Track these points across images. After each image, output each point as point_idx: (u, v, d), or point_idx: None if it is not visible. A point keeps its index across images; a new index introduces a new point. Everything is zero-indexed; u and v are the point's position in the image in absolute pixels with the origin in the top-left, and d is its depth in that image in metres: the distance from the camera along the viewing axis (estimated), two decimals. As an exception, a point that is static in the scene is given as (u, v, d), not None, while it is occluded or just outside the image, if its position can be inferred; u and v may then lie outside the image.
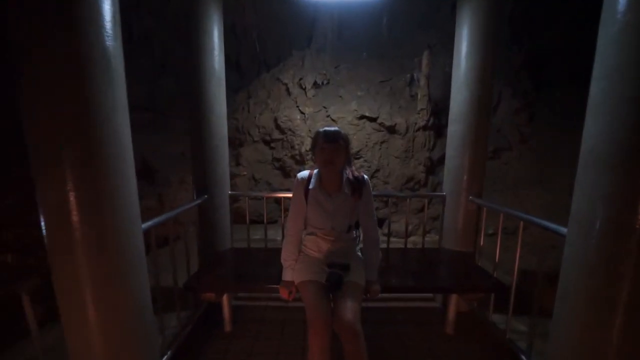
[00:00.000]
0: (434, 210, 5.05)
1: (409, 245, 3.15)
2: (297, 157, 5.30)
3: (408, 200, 3.08)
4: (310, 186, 1.80)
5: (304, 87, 5.49)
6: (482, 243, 2.61)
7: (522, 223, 2.09)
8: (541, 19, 6.42)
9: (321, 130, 1.75)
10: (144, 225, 1.66)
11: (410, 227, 5.02)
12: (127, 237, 1.37)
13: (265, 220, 2.94)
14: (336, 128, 1.75)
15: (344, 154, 1.74)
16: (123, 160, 1.31)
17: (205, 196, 2.70)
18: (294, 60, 5.92)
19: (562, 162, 5.07)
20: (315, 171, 1.84)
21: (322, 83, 5.61)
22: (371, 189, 1.89)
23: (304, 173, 1.87)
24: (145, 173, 5.02)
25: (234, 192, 2.92)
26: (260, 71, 6.73)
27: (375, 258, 1.86)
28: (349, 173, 1.81)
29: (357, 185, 1.79)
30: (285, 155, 5.39)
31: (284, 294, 1.81)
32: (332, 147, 1.68)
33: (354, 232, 1.92)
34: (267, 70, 6.55)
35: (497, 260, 2.41)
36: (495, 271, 2.37)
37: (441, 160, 5.40)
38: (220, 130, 2.71)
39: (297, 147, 5.20)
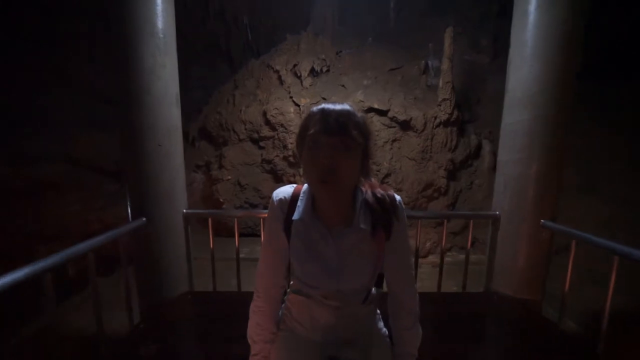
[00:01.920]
0: (454, 224, 4.16)
1: (426, 267, 2.24)
2: (291, 159, 4.39)
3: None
4: (295, 215, 0.89)
5: (299, 74, 4.59)
6: (567, 288, 1.69)
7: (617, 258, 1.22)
8: None
9: (316, 109, 0.82)
10: None
11: (428, 244, 4.12)
12: None
13: (237, 256, 2.02)
14: (345, 106, 0.81)
15: (357, 157, 0.82)
16: None
17: (143, 219, 1.79)
18: (288, 45, 5.02)
19: (612, 163, 4.18)
20: (305, 187, 0.93)
21: (321, 70, 4.71)
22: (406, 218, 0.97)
23: (284, 191, 0.94)
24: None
25: (191, 211, 2.01)
26: (250, 59, 5.82)
27: (413, 341, 0.97)
28: (367, 192, 0.90)
29: (384, 214, 0.87)
30: (277, 156, 4.48)
31: None
32: (335, 145, 0.77)
33: (374, 294, 1.00)
34: (257, 55, 5.64)
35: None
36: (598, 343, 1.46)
37: (464, 162, 4.50)
38: (164, 121, 1.80)
39: (290, 146, 4.29)
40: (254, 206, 4.65)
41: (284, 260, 0.96)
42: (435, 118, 4.13)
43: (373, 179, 0.96)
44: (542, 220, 1.81)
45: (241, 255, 3.71)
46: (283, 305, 1.03)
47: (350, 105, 0.80)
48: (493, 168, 4.53)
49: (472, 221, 2.03)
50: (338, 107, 0.78)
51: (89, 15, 4.54)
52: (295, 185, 0.94)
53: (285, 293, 1.03)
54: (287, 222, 0.90)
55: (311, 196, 0.89)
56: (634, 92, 4.65)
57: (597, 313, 1.51)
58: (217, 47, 7.38)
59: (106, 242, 1.52)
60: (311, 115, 0.80)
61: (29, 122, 4.49)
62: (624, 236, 3.39)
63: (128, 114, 1.73)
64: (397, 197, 0.90)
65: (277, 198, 0.92)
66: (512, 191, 1.90)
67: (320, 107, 0.79)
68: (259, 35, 7.20)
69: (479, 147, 4.63)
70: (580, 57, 1.69)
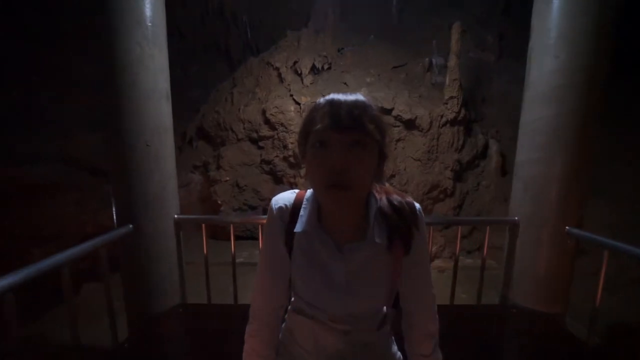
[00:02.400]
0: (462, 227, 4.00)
1: (432, 272, 2.07)
2: (291, 159, 4.23)
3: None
4: (298, 227, 0.74)
5: (299, 72, 4.43)
6: (598, 302, 1.52)
7: None
8: None
9: (323, 100, 0.67)
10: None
11: (434, 248, 3.96)
12: None
13: (233, 265, 1.85)
14: (359, 97, 0.67)
15: (373, 156, 0.67)
16: None
17: (130, 226, 1.63)
18: (288, 41, 4.86)
19: (617, 162, 4.02)
20: (308, 194, 0.79)
21: (323, 68, 4.55)
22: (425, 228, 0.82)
23: (285, 198, 0.80)
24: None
25: (183, 216, 1.84)
26: (249, 57, 5.65)
27: None
28: (381, 199, 0.75)
29: (402, 225, 0.73)
30: (277, 156, 4.32)
31: None
32: (347, 142, 0.63)
33: (390, 316, 0.84)
34: (256, 54, 5.48)
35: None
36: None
37: (471, 163, 4.34)
38: (153, 119, 1.64)
39: (290, 146, 4.13)
40: (253, 208, 4.49)
41: (285, 278, 0.80)
42: (442, 117, 3.97)
43: (387, 184, 0.81)
44: (567, 227, 1.64)
45: (240, 260, 3.56)
46: (283, 324, 0.88)
47: (365, 96, 0.66)
48: (501, 169, 4.37)
49: (488, 227, 1.86)
50: (350, 97, 0.64)
51: (83, 8, 4.37)
52: (297, 190, 0.80)
53: (285, 311, 0.87)
54: (289, 235, 0.75)
55: (316, 204, 0.74)
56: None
57: (619, 325, 1.35)
58: (216, 46, 7.23)
59: (84, 253, 1.36)
60: (317, 107, 0.65)
61: (23, 122, 4.36)
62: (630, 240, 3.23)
63: (112, 109, 1.57)
64: (417, 205, 0.76)
65: (277, 206, 0.77)
66: (533, 194, 1.74)
67: (328, 97, 0.65)
68: (258, 33, 7.04)
69: (485, 147, 4.47)
70: (613, 45, 1.53)
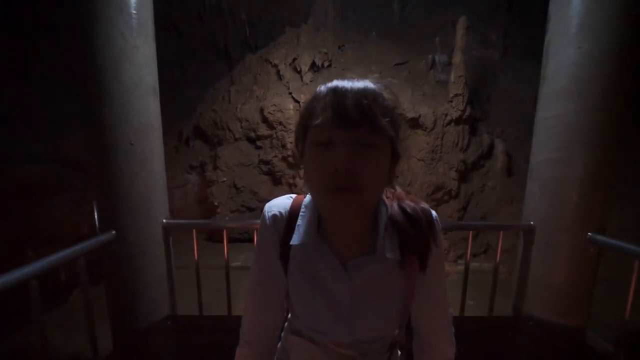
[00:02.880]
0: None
1: None
2: (290, 159, 4.10)
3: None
4: (295, 239, 0.63)
5: (298, 69, 4.30)
6: (627, 314, 1.39)
7: None
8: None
9: (325, 88, 0.56)
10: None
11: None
12: None
13: (226, 276, 1.71)
14: (368, 83, 0.54)
15: (386, 156, 0.56)
16: None
17: (113, 232, 1.50)
18: (288, 38, 4.73)
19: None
20: (307, 199, 0.68)
21: (323, 65, 4.42)
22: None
23: (280, 204, 0.68)
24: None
25: (173, 221, 1.71)
26: (248, 54, 5.52)
27: None
28: (392, 206, 0.65)
29: (418, 237, 0.62)
30: (275, 156, 4.19)
31: None
32: (354, 141, 0.52)
33: (402, 340, 0.74)
34: (255, 52, 5.34)
35: None
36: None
37: (476, 163, 4.21)
38: (137, 116, 1.50)
39: (289, 145, 4.00)
40: (250, 210, 4.36)
41: (279, 297, 0.70)
42: (446, 115, 3.83)
43: (398, 188, 0.68)
44: (589, 233, 1.51)
45: (237, 264, 3.43)
46: (279, 344, 0.77)
47: (375, 82, 0.55)
48: (506, 169, 4.24)
49: (502, 233, 1.73)
50: (358, 84, 0.53)
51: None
52: (293, 196, 0.69)
53: (282, 329, 0.76)
54: (284, 247, 0.65)
55: (316, 212, 0.63)
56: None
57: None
58: (215, 44, 7.11)
59: (59, 263, 1.22)
60: (318, 96, 0.55)
61: (14, 121, 4.24)
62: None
63: (93, 105, 1.43)
64: (434, 213, 0.66)
65: (270, 214, 0.66)
66: (551, 197, 1.61)
67: (331, 84, 0.55)
68: (257, 31, 6.92)
69: (491, 147, 4.33)
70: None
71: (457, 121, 3.88)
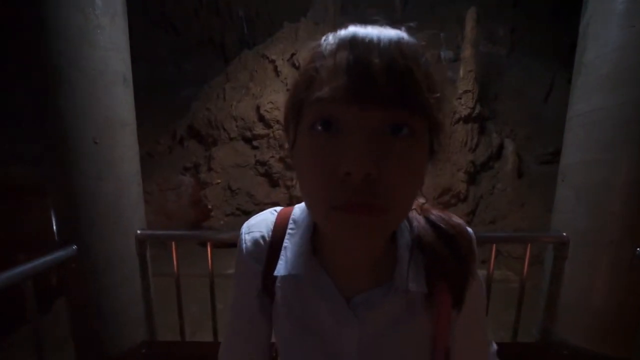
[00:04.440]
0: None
1: None
2: (289, 160, 3.87)
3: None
4: (281, 269, 0.46)
5: (297, 65, 4.08)
6: None
7: None
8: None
9: (334, 38, 0.34)
10: None
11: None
12: None
13: (212, 297, 1.47)
14: (400, 34, 0.33)
15: (423, 155, 0.35)
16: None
17: (73, 247, 1.26)
18: (286, 33, 4.51)
19: None
20: (297, 212, 0.51)
21: (322, 60, 4.19)
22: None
23: (259, 224, 0.51)
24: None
25: (148, 232, 1.47)
26: (244, 50, 5.30)
27: None
28: (417, 219, 0.47)
29: (455, 264, 0.44)
30: (272, 157, 3.96)
31: None
32: (379, 128, 0.31)
33: None
34: (251, 46, 5.12)
35: None
36: None
37: (485, 164, 3.98)
38: (102, 109, 1.27)
39: (287, 145, 3.77)
40: (246, 213, 4.13)
41: (264, 344, 0.54)
42: (455, 113, 3.61)
43: (422, 196, 0.49)
44: (638, 249, 1.27)
45: (231, 271, 3.21)
46: None
47: (411, 35, 0.35)
48: (517, 171, 4.01)
49: (529, 245, 1.49)
50: (388, 33, 0.33)
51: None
52: (278, 209, 0.53)
53: None
54: (268, 280, 0.48)
55: (311, 228, 0.47)
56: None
57: None
58: (211, 41, 6.91)
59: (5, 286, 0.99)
60: (324, 51, 0.34)
61: (2, 120, 4.07)
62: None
63: (49, 97, 1.20)
64: (470, 231, 0.49)
65: (250, 238, 0.50)
66: (589, 206, 1.37)
67: (346, 31, 0.34)
68: (255, 28, 6.72)
69: (500, 147, 4.10)
70: None
71: (466, 119, 3.66)
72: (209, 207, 4.14)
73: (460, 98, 3.62)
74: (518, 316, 1.53)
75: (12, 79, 3.77)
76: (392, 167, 0.32)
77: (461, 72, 3.62)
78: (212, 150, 4.29)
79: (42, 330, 1.15)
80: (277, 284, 0.48)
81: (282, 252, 0.47)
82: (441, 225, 0.46)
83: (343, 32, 0.34)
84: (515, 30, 5.56)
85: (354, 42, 0.32)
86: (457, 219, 0.48)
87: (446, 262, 0.44)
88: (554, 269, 1.51)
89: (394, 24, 0.35)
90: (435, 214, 0.48)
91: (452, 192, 3.62)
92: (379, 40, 0.32)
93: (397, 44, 0.32)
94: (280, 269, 0.46)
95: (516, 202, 3.85)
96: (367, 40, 0.32)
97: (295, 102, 0.37)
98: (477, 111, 3.69)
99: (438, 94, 0.33)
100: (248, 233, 0.50)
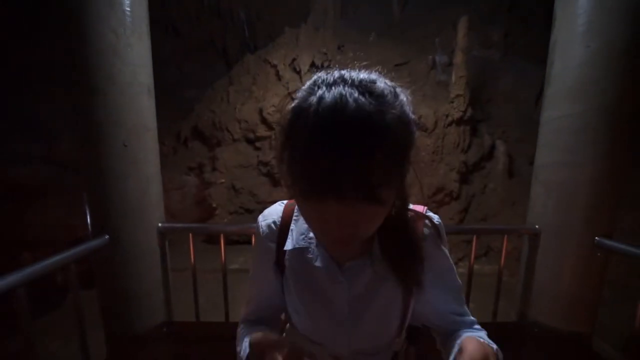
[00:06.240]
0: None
1: None
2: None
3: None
4: (289, 245, 0.62)
5: (298, 69, 4.26)
6: (638, 323, 1.34)
7: None
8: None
9: (306, 119, 0.41)
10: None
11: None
12: None
13: (224, 280, 1.66)
14: (363, 108, 0.39)
15: (390, 203, 0.48)
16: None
17: (106, 237, 1.45)
18: (287, 38, 4.68)
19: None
20: None
21: (322, 65, 4.38)
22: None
23: (272, 213, 0.66)
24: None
25: (168, 225, 1.66)
26: (247, 54, 5.47)
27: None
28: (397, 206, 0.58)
29: (406, 247, 0.58)
30: (274, 157, 4.13)
31: None
32: (351, 212, 0.43)
33: (409, 350, 0.74)
34: (254, 51, 5.30)
35: None
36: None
37: (477, 165, 4.17)
38: (131, 117, 1.45)
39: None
40: (249, 212, 4.31)
41: (274, 307, 0.69)
42: (447, 116, 3.80)
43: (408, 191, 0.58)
44: (596, 238, 1.46)
45: (235, 266, 3.37)
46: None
47: (373, 96, 0.41)
48: (508, 171, 4.20)
49: (506, 237, 1.68)
50: (358, 112, 0.38)
51: None
52: (285, 201, 0.67)
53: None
54: (280, 255, 0.64)
55: None
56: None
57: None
58: (213, 44, 7.06)
59: (50, 270, 1.17)
60: (305, 116, 0.41)
61: (6, 121, 4.18)
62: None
63: (85, 106, 1.38)
64: (436, 218, 0.64)
65: (264, 225, 0.65)
66: (557, 201, 1.56)
67: (313, 117, 0.40)
68: (256, 31, 6.88)
69: (492, 148, 4.30)
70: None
71: (458, 122, 3.84)
72: (214, 205, 4.32)
73: (452, 102, 3.81)
74: (497, 299, 1.73)
75: (45, 87, 3.93)
76: (365, 223, 0.45)
77: (453, 78, 3.80)
78: (217, 151, 4.47)
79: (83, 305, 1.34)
80: (287, 257, 0.62)
81: (289, 234, 0.62)
82: (406, 215, 0.57)
83: (315, 109, 0.40)
84: (509, 35, 5.73)
85: (323, 134, 0.38)
86: (422, 209, 0.63)
87: (401, 246, 0.57)
88: (528, 258, 1.70)
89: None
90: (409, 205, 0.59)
91: (446, 191, 3.80)
92: (349, 130, 0.37)
93: (366, 135, 0.38)
94: (289, 245, 0.61)
95: (507, 201, 4.04)
96: (336, 132, 0.38)
97: (282, 157, 0.46)
98: (468, 114, 3.87)
99: (393, 161, 0.41)
100: (264, 220, 0.65)
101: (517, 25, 5.63)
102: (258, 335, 0.52)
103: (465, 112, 3.82)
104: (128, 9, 1.40)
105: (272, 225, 0.64)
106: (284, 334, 0.73)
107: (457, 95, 3.77)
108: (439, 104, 3.87)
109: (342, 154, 0.37)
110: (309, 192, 0.42)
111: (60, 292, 3.06)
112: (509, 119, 4.70)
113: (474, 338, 0.51)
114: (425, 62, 4.60)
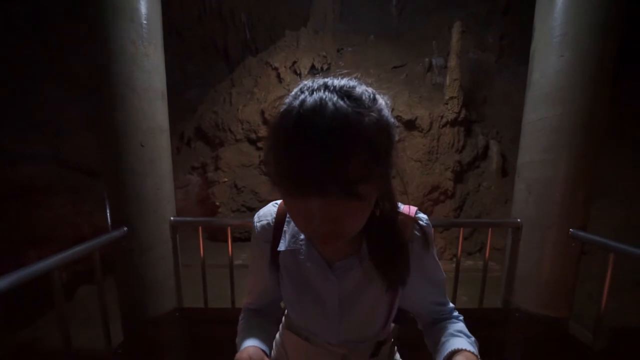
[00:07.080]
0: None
1: None
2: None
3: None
4: (282, 246, 0.65)
5: (298, 72, 4.40)
6: (603, 306, 1.48)
7: None
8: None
9: (287, 125, 0.44)
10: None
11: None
12: None
13: (230, 269, 1.81)
14: (339, 112, 0.41)
15: (371, 198, 0.50)
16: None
17: (124, 228, 1.59)
18: (287, 41, 4.83)
19: (623, 161, 3.99)
20: None
21: (322, 68, 4.52)
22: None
23: (266, 213, 0.69)
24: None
25: (180, 218, 1.80)
26: (248, 56, 5.61)
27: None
28: (386, 206, 0.60)
29: (401, 245, 0.60)
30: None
31: None
32: (328, 208, 0.45)
33: (394, 332, 0.78)
34: (255, 53, 5.43)
35: None
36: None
37: (472, 164, 4.31)
38: (147, 120, 1.60)
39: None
40: (251, 210, 4.45)
41: (273, 298, 0.76)
42: (442, 117, 3.94)
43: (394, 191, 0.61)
44: (570, 230, 1.61)
45: (238, 262, 3.52)
46: (277, 337, 0.81)
47: (351, 100, 0.43)
48: (501, 170, 4.34)
49: (490, 229, 1.83)
50: (329, 117, 0.41)
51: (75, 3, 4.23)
52: (279, 202, 0.68)
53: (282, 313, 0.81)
54: (274, 254, 0.67)
55: None
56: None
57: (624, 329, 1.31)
58: (214, 46, 7.18)
59: (77, 256, 1.32)
60: (286, 125, 0.44)
61: (13, 121, 4.27)
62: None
63: (105, 109, 1.53)
64: (424, 219, 0.65)
65: (260, 224, 0.68)
66: (536, 196, 1.70)
67: (295, 118, 0.42)
68: (257, 33, 7.00)
69: (486, 148, 4.44)
70: (617, 44, 1.50)
71: (453, 123, 3.99)
72: (217, 203, 4.47)
73: (447, 104, 3.95)
74: (483, 287, 1.87)
75: (53, 90, 4.03)
76: (348, 218, 0.47)
77: (447, 80, 3.94)
78: (219, 151, 4.62)
79: (105, 290, 1.48)
80: (280, 257, 0.65)
81: (283, 235, 0.64)
82: (392, 215, 0.58)
83: (295, 116, 0.42)
84: (504, 38, 5.87)
85: (298, 137, 0.41)
86: (409, 209, 0.63)
87: (385, 245, 0.58)
88: (511, 249, 1.84)
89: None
90: (400, 206, 0.61)
91: (440, 189, 3.95)
92: (319, 129, 0.40)
93: (332, 130, 0.40)
94: (282, 246, 0.63)
95: (500, 199, 4.18)
96: (307, 136, 0.40)
97: (268, 162, 0.48)
98: (462, 115, 4.01)
99: (368, 157, 0.42)
100: (258, 222, 0.67)
101: (512, 28, 5.77)
102: (244, 355, 0.60)
103: (459, 113, 3.96)
104: (145, 21, 1.54)
105: (266, 227, 0.66)
106: (283, 321, 0.80)
107: (451, 98, 3.92)
108: (435, 106, 4.01)
109: (320, 152, 0.39)
110: (293, 189, 0.44)
111: (67, 289, 3.20)
112: (503, 120, 4.84)
113: (463, 355, 0.56)
114: (422, 64, 4.74)
